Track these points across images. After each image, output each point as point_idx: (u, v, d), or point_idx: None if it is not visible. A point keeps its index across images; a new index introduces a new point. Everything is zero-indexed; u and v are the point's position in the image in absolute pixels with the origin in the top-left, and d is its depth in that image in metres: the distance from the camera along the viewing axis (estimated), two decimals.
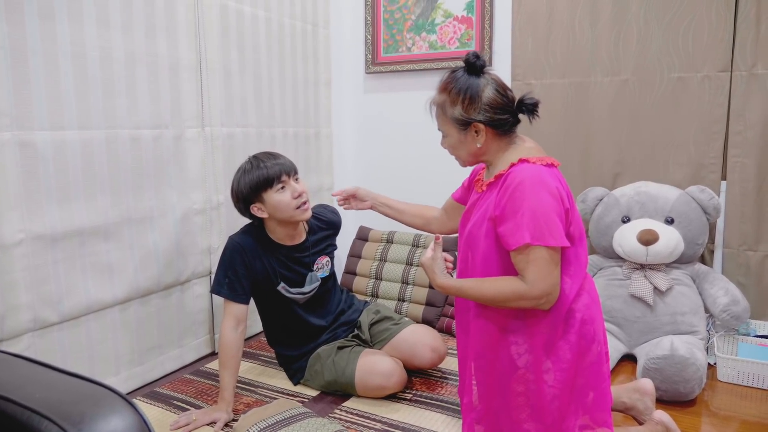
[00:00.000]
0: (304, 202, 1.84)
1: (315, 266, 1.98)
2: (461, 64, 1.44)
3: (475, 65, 1.41)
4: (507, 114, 1.41)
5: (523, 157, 1.38)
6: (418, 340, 1.97)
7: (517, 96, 1.44)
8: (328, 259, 2.04)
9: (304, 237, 1.98)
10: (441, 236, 1.50)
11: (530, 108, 1.42)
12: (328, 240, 2.06)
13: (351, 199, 1.94)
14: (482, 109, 1.39)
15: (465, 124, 1.41)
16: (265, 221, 1.89)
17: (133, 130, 1.94)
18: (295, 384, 2.01)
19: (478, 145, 1.43)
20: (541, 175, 1.32)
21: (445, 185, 1.94)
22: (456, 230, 1.81)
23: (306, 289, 1.95)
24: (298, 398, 1.91)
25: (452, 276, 1.50)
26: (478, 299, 1.39)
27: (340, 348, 1.94)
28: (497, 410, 1.44)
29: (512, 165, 1.38)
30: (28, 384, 1.01)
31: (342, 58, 3.04)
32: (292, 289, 1.92)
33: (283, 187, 1.81)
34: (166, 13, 2.03)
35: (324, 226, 2.06)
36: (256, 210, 1.85)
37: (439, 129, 1.50)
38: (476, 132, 1.41)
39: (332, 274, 2.08)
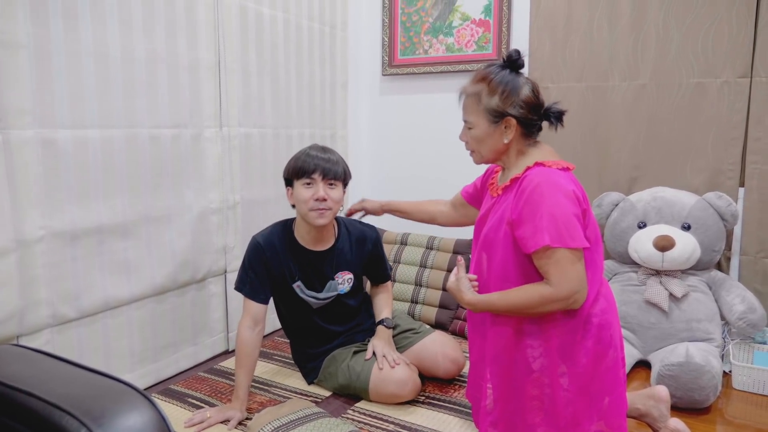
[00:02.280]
0: (322, 209, 1.77)
1: (337, 278, 1.93)
2: (479, 66, 1.46)
3: (516, 62, 1.43)
4: (537, 116, 1.43)
5: (539, 160, 1.39)
6: (439, 350, 1.96)
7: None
8: (351, 276, 1.95)
9: (330, 245, 1.91)
10: (462, 258, 1.50)
11: (557, 116, 1.44)
12: (354, 258, 1.96)
13: (361, 211, 2.06)
14: (518, 105, 1.40)
15: (499, 117, 1.41)
16: (296, 218, 1.89)
17: (153, 129, 1.96)
18: (309, 383, 2.02)
19: (505, 141, 1.42)
20: (556, 177, 1.33)
21: (460, 188, 1.94)
22: (461, 223, 1.88)
23: (322, 295, 1.92)
24: (311, 398, 1.92)
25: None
26: (508, 310, 1.38)
27: (356, 352, 1.94)
28: (512, 413, 1.44)
29: (528, 168, 1.39)
30: (49, 379, 1.03)
31: (359, 60, 3.05)
32: (307, 291, 1.91)
33: (309, 184, 1.77)
34: (186, 14, 2.04)
35: (354, 242, 1.97)
36: (289, 195, 1.85)
37: (464, 119, 1.48)
38: (506, 127, 1.41)
39: (355, 291, 1.99)
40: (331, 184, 1.79)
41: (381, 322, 1.99)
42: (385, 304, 2.06)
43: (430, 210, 1.94)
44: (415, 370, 1.90)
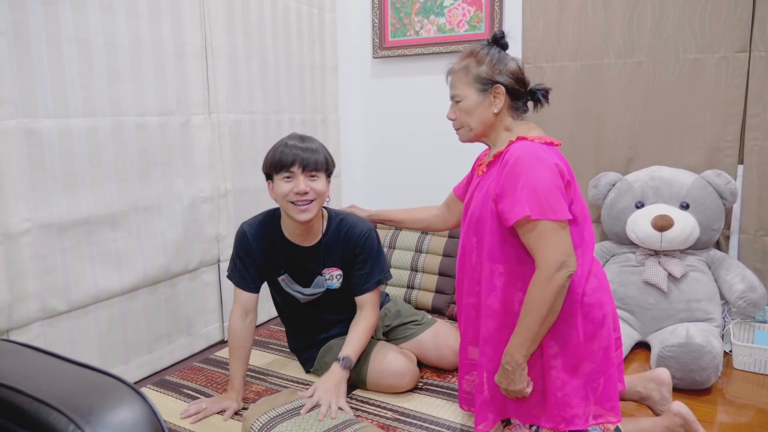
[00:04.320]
0: (304, 201, 1.65)
1: (324, 273, 1.83)
2: (470, 46, 1.49)
3: (501, 40, 1.47)
4: (523, 89, 1.45)
5: (521, 135, 1.39)
6: (442, 342, 1.94)
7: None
8: (340, 272, 1.82)
9: (316, 240, 1.80)
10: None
11: (543, 94, 1.46)
12: (343, 255, 1.81)
13: None
14: (506, 74, 1.43)
15: (487, 85, 1.42)
16: (281, 210, 1.79)
17: (139, 117, 1.91)
18: (306, 372, 1.99)
19: (495, 111, 1.42)
20: (537, 151, 1.33)
21: (453, 172, 1.91)
22: (459, 223, 1.80)
23: (308, 290, 1.83)
24: (308, 387, 1.89)
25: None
26: (532, 326, 1.30)
27: None
28: (506, 397, 1.42)
29: (510, 143, 1.39)
30: (36, 375, 1.00)
31: (349, 42, 2.99)
32: (293, 285, 1.84)
33: (289, 177, 1.65)
34: None
35: (342, 239, 1.80)
36: (270, 189, 1.73)
37: (453, 95, 1.47)
38: (495, 96, 1.42)
39: (346, 289, 1.86)
40: (312, 176, 1.66)
41: (338, 359, 1.72)
42: (355, 334, 1.77)
43: (423, 217, 1.88)
44: (413, 360, 1.88)
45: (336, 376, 1.68)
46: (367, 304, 1.82)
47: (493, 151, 1.46)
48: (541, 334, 1.32)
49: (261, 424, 1.49)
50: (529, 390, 1.36)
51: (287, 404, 1.58)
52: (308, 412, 1.55)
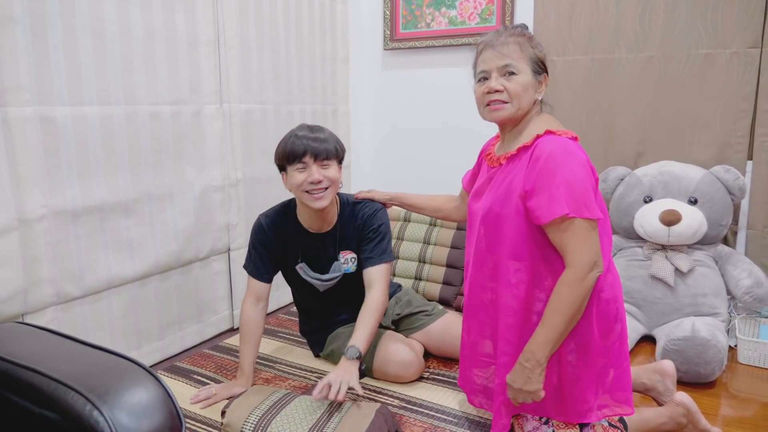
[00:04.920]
0: (319, 189, 1.69)
1: (339, 258, 1.86)
2: (503, 28, 1.45)
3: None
4: None
5: (549, 129, 1.35)
6: (452, 333, 1.95)
7: None
8: (354, 255, 1.86)
9: (332, 226, 1.84)
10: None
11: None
12: (357, 237, 1.85)
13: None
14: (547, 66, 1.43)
15: (541, 69, 1.40)
16: (297, 200, 1.83)
17: (152, 106, 1.93)
18: (315, 356, 2.02)
19: (539, 98, 1.41)
20: (569, 146, 1.30)
21: (462, 163, 1.91)
22: None
23: (326, 276, 1.86)
24: (317, 374, 1.92)
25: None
26: (557, 326, 1.27)
27: None
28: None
29: (538, 136, 1.34)
30: (54, 356, 1.03)
31: (360, 34, 3.00)
32: (311, 273, 1.87)
33: (302, 168, 1.69)
34: None
35: (355, 221, 1.85)
36: (284, 179, 1.76)
37: (506, 65, 1.36)
38: (540, 83, 1.40)
39: (360, 273, 1.86)
40: (324, 164, 1.70)
41: (345, 350, 1.65)
42: (363, 319, 1.70)
43: (443, 206, 1.84)
44: (420, 351, 1.90)
45: (343, 364, 1.63)
46: (375, 281, 1.77)
47: (514, 143, 1.41)
48: (566, 333, 1.30)
49: (253, 425, 1.46)
50: (542, 394, 1.32)
51: (266, 400, 1.55)
52: (320, 395, 1.51)
